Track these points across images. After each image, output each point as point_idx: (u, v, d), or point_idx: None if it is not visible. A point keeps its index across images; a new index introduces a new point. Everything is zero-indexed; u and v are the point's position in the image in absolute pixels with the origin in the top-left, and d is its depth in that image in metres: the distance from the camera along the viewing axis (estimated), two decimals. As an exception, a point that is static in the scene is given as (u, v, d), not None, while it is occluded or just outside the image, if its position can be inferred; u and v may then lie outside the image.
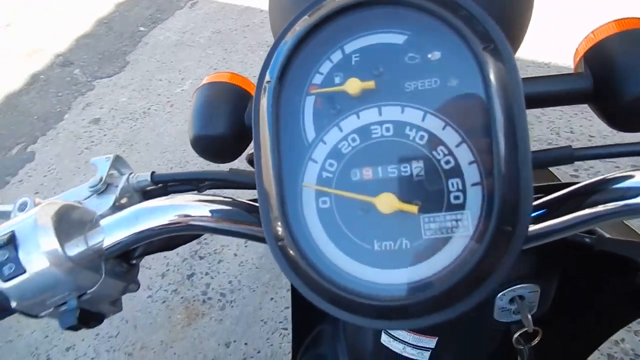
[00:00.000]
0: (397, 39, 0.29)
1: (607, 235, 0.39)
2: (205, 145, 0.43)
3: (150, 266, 1.83)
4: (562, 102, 0.37)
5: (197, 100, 0.44)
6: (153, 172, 0.48)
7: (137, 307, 1.72)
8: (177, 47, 2.94)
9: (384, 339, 0.64)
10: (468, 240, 0.26)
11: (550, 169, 0.59)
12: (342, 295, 0.27)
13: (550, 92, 0.36)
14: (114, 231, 0.39)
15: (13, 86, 2.92)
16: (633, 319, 0.58)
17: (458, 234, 0.26)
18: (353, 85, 0.29)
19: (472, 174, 0.27)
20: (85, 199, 0.45)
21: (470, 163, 0.27)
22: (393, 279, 0.27)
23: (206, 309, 1.68)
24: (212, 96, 0.44)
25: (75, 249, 0.37)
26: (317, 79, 0.30)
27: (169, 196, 0.42)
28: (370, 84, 0.29)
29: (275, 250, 0.29)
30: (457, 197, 0.27)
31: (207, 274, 1.77)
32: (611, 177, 0.32)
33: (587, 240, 0.40)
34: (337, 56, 0.30)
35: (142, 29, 3.19)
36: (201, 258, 1.83)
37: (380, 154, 0.28)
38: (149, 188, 0.48)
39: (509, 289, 0.47)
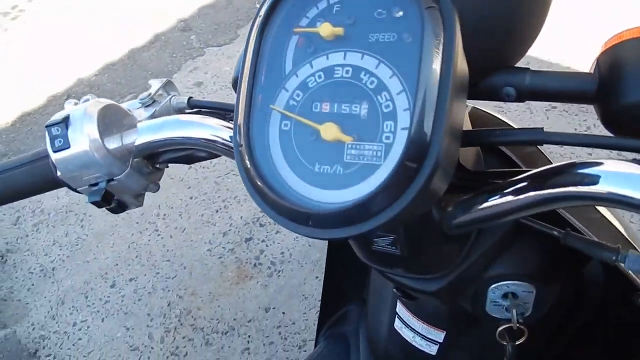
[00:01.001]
0: None
1: (576, 233, 0.39)
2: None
3: (215, 223, 1.96)
4: (567, 100, 0.38)
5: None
6: (190, 97, 0.56)
7: (196, 257, 1.86)
8: (285, 28, 3.07)
9: (397, 324, 0.66)
10: (386, 175, 0.29)
11: (544, 152, 0.59)
12: (278, 201, 0.32)
13: (556, 87, 0.37)
14: (145, 133, 0.47)
15: (137, 43, 3.23)
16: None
17: (379, 170, 0.30)
18: (325, 29, 0.33)
19: (404, 119, 0.30)
20: (135, 109, 0.55)
21: (405, 109, 0.30)
22: (323, 197, 0.32)
23: (255, 273, 1.77)
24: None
25: (112, 140, 0.47)
26: (303, 21, 0.35)
27: (198, 115, 0.49)
28: (339, 30, 0.33)
29: (237, 153, 0.34)
30: (387, 137, 0.30)
31: (263, 241, 1.87)
32: (577, 162, 0.33)
33: (555, 233, 0.41)
34: (322, 4, 0.34)
35: (258, 5, 3.37)
36: (261, 225, 1.92)
37: (338, 92, 0.32)
38: (186, 111, 0.56)
39: (503, 282, 0.47)
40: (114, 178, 0.47)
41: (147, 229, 2.01)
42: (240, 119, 0.34)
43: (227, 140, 0.46)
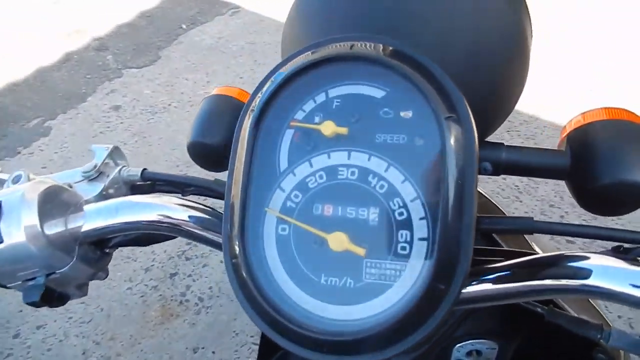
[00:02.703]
0: (376, 92, 0.31)
1: (559, 310, 0.40)
2: (200, 152, 0.46)
3: (137, 258, 1.83)
4: (540, 175, 0.38)
5: (202, 108, 0.48)
6: (144, 169, 0.49)
7: (115, 297, 1.72)
8: (210, 51, 3.00)
9: None
10: (405, 291, 0.27)
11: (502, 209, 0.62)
12: (280, 320, 0.29)
13: (530, 163, 0.38)
14: (94, 218, 0.41)
15: (47, 62, 3.00)
16: None
17: (397, 284, 0.28)
18: (328, 127, 0.31)
19: (421, 228, 0.28)
20: (76, 182, 0.47)
21: (421, 219, 0.28)
22: (332, 313, 0.28)
23: (182, 311, 1.66)
24: (216, 107, 0.47)
25: (54, 228, 0.39)
26: (299, 115, 0.32)
27: (154, 195, 0.44)
28: (343, 129, 0.31)
29: (229, 267, 0.31)
30: (403, 248, 0.28)
31: (189, 275, 1.76)
32: (570, 254, 0.33)
33: (539, 310, 0.41)
34: (320, 98, 0.32)
35: (182, 27, 3.27)
36: (187, 259, 1.82)
37: (343, 194, 0.30)
38: (137, 183, 0.50)
39: (468, 342, 0.48)
40: (56, 272, 0.39)
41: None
42: (235, 228, 0.30)
43: (187, 221, 0.41)
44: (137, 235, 0.45)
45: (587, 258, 0.32)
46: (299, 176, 0.31)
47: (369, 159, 0.30)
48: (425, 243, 0.28)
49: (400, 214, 0.29)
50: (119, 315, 1.67)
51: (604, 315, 0.52)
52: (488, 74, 0.38)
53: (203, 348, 1.56)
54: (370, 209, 0.29)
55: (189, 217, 0.41)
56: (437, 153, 0.28)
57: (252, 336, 1.58)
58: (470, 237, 0.27)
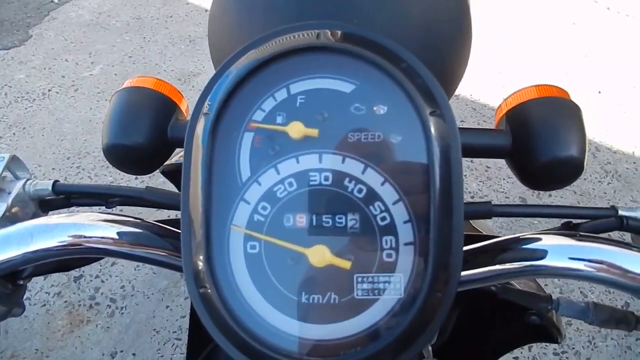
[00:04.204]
0: (344, 87, 0.29)
1: (510, 286, 0.42)
2: (121, 155, 0.39)
3: (32, 264, 1.66)
4: (482, 155, 0.38)
5: (116, 104, 0.40)
6: (56, 181, 0.42)
7: (11, 309, 1.54)
8: (90, 28, 2.73)
9: None
10: (397, 302, 0.26)
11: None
12: (262, 350, 0.26)
13: (473, 144, 0.38)
14: (3, 247, 0.34)
15: None
16: (515, 347, 0.62)
17: (389, 296, 0.27)
18: (296, 129, 0.28)
19: (406, 233, 0.27)
20: None
21: (405, 222, 0.27)
22: (317, 334, 0.26)
23: (92, 315, 1.55)
24: (133, 102, 0.40)
25: None
26: (258, 115, 0.29)
27: (71, 210, 0.37)
28: (314, 131, 0.28)
29: (195, 296, 0.27)
30: (389, 255, 0.27)
31: (97, 276, 1.64)
32: (523, 237, 0.34)
33: (493, 288, 0.42)
34: (281, 95, 0.29)
35: (54, 0, 2.92)
36: (93, 259, 1.68)
37: (317, 202, 0.28)
38: (47, 198, 0.42)
39: None
40: None
41: None
42: (199, 252, 0.27)
43: (117, 241, 0.36)
44: (57, 260, 0.38)
45: (539, 239, 0.33)
46: (265, 185, 0.28)
47: (343, 161, 0.28)
48: (411, 247, 0.26)
49: (383, 218, 0.27)
50: (18, 330, 1.50)
51: (541, 286, 0.57)
52: (438, 55, 0.37)
53: (122, 351, 1.47)
54: (349, 216, 0.27)
55: (119, 234, 0.36)
56: (419, 150, 0.27)
57: (174, 332, 1.52)
58: (461, 235, 0.26)
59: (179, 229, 0.38)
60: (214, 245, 0.28)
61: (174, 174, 0.64)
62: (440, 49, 0.39)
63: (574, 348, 1.46)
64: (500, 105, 0.40)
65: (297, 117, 0.28)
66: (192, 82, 2.33)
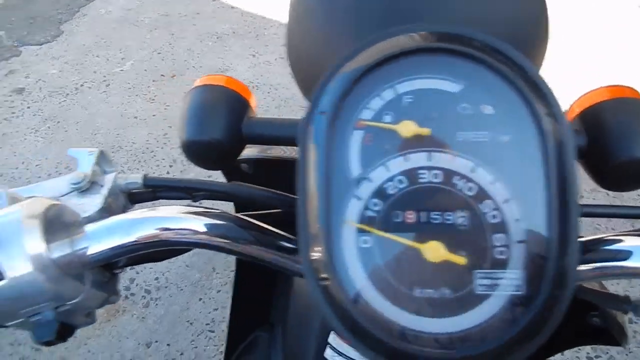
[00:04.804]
0: (451, 87, 0.30)
1: (587, 286, 0.42)
2: (198, 151, 0.41)
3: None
4: None
5: (192, 102, 0.42)
6: (145, 175, 0.44)
7: (50, 298, 1.59)
8: (119, 24, 2.77)
9: (328, 353, 0.64)
10: (517, 299, 0.27)
11: None
12: (382, 340, 0.27)
13: None
14: (101, 239, 0.35)
15: None
16: (570, 348, 0.62)
17: (507, 292, 0.27)
18: (407, 128, 0.29)
19: (518, 231, 0.27)
20: (64, 195, 0.40)
21: (517, 220, 0.27)
22: (431, 327, 0.27)
23: (128, 306, 1.59)
24: (208, 99, 0.41)
25: (60, 254, 0.33)
26: (366, 114, 0.30)
27: (170, 206, 0.38)
28: (426, 130, 0.29)
29: (315, 287, 0.28)
30: (501, 252, 0.27)
31: (132, 268, 1.67)
32: (606, 237, 0.34)
33: None
34: (388, 94, 0.30)
35: (80, -2, 2.97)
36: (127, 251, 1.72)
37: (427, 199, 0.28)
38: (136, 190, 0.44)
39: None
40: (66, 303, 0.34)
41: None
42: (318, 245, 0.28)
43: (207, 232, 0.37)
44: (151, 252, 0.40)
45: (621, 241, 0.34)
46: (376, 182, 0.29)
47: (452, 160, 0.29)
48: (524, 245, 0.27)
49: (494, 216, 0.28)
50: (57, 318, 1.55)
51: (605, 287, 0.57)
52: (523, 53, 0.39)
53: (157, 342, 1.51)
54: (459, 213, 0.28)
55: (215, 227, 0.37)
56: (532, 149, 0.27)
57: (207, 324, 1.55)
58: (577, 234, 0.26)
59: (264, 222, 0.40)
60: (331, 239, 0.29)
61: (238, 170, 0.65)
62: (524, 47, 0.40)
63: (607, 352, 1.45)
64: (571, 106, 0.40)
65: (407, 116, 0.29)
66: (221, 78, 2.36)
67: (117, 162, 1.98)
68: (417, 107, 0.30)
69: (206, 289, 1.63)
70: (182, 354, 1.48)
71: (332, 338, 0.62)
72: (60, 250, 0.33)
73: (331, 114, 0.30)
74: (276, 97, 2.24)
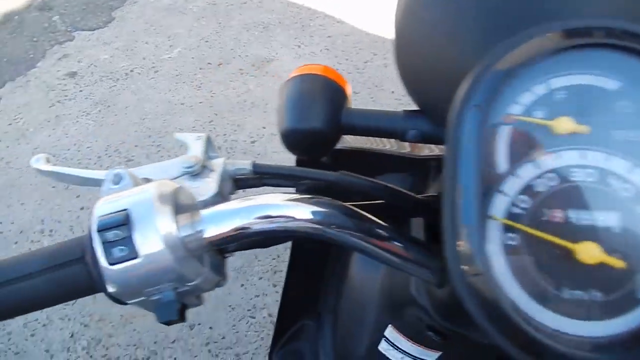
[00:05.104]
0: (608, 84, 0.28)
1: None
2: (298, 139, 0.42)
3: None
4: None
5: (291, 91, 0.43)
6: (254, 162, 0.44)
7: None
8: (168, 12, 2.82)
9: (382, 346, 0.63)
10: None
11: None
12: (531, 336, 0.26)
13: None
14: (220, 223, 0.36)
15: (-18, 22, 2.72)
16: None
17: None
18: (563, 125, 0.28)
19: None
20: (175, 178, 0.41)
21: None
22: (579, 329, 0.26)
23: (172, 288, 1.62)
24: (307, 89, 0.43)
25: (186, 235, 0.34)
26: (515, 109, 0.29)
27: (290, 193, 0.39)
28: (583, 128, 0.28)
29: (461, 282, 0.27)
30: None
31: (177, 251, 1.71)
32: None
33: None
34: (540, 89, 0.29)
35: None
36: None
37: (579, 198, 0.27)
38: (242, 176, 0.45)
39: None
40: (187, 284, 0.35)
41: (29, 249, 1.71)
42: (465, 239, 0.27)
43: (323, 222, 0.36)
44: (263, 237, 0.40)
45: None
46: (524, 178, 0.28)
47: (608, 159, 0.27)
48: None
49: None
50: (103, 296, 1.60)
51: None
52: None
53: (199, 324, 1.54)
54: (614, 214, 0.27)
55: (314, 211, 0.36)
56: None
57: (248, 310, 1.57)
58: None
59: (369, 212, 0.39)
60: (480, 234, 0.28)
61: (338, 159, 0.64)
62: None
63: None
64: None
65: (564, 113, 0.28)
66: (266, 68, 2.37)
67: (164, 147, 2.02)
68: (572, 103, 0.28)
69: (248, 276, 1.65)
70: (223, 337, 1.51)
71: (389, 331, 0.61)
72: (185, 231, 0.34)
73: (485, 107, 0.29)
74: (320, 88, 2.24)
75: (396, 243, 0.38)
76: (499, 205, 0.28)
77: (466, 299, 0.27)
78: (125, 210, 0.32)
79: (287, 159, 0.49)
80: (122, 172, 0.36)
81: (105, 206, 0.33)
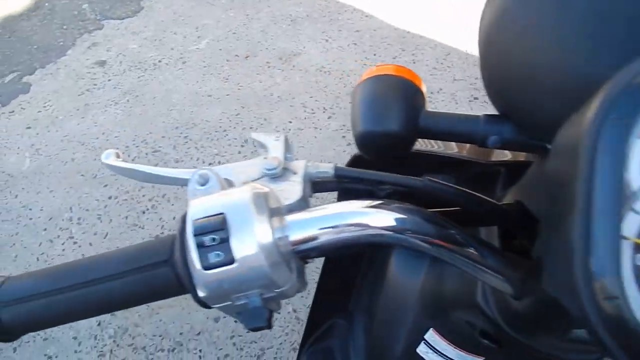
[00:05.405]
0: None
1: None
2: (373, 142, 0.41)
3: (143, 225, 1.76)
4: None
5: (367, 93, 0.41)
6: (336, 165, 0.43)
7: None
8: (197, 3, 2.81)
9: (421, 349, 0.62)
10: None
11: None
12: None
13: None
14: (308, 228, 0.35)
15: (13, 9, 2.74)
16: None
17: None
18: None
19: None
20: (255, 180, 0.40)
21: None
22: None
23: (198, 280, 1.63)
24: (382, 91, 0.41)
25: (279, 240, 0.33)
26: None
27: (377, 200, 0.37)
28: None
29: (595, 306, 0.26)
30: None
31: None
32: None
33: None
34: None
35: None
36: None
37: None
38: (320, 179, 0.44)
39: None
40: (275, 290, 0.34)
41: (58, 236, 1.73)
42: (602, 261, 0.26)
43: (410, 231, 0.35)
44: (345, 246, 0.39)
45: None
46: None
47: None
48: None
49: None
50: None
51: None
52: None
53: (225, 317, 1.54)
54: None
55: (397, 218, 0.35)
56: None
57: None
58: None
59: (453, 220, 0.38)
60: (611, 255, 0.26)
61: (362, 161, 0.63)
62: None
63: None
64: None
65: None
66: (293, 61, 2.36)
67: (191, 139, 2.03)
68: None
69: (273, 271, 1.65)
70: (248, 331, 1.51)
71: (430, 335, 0.60)
72: (277, 236, 0.33)
73: (627, 120, 0.27)
74: (348, 83, 2.21)
75: (475, 251, 0.37)
76: (632, 225, 0.26)
77: (596, 323, 0.26)
78: (222, 214, 0.31)
79: (313, 154, 0.47)
80: (208, 173, 0.35)
81: (199, 209, 0.32)
